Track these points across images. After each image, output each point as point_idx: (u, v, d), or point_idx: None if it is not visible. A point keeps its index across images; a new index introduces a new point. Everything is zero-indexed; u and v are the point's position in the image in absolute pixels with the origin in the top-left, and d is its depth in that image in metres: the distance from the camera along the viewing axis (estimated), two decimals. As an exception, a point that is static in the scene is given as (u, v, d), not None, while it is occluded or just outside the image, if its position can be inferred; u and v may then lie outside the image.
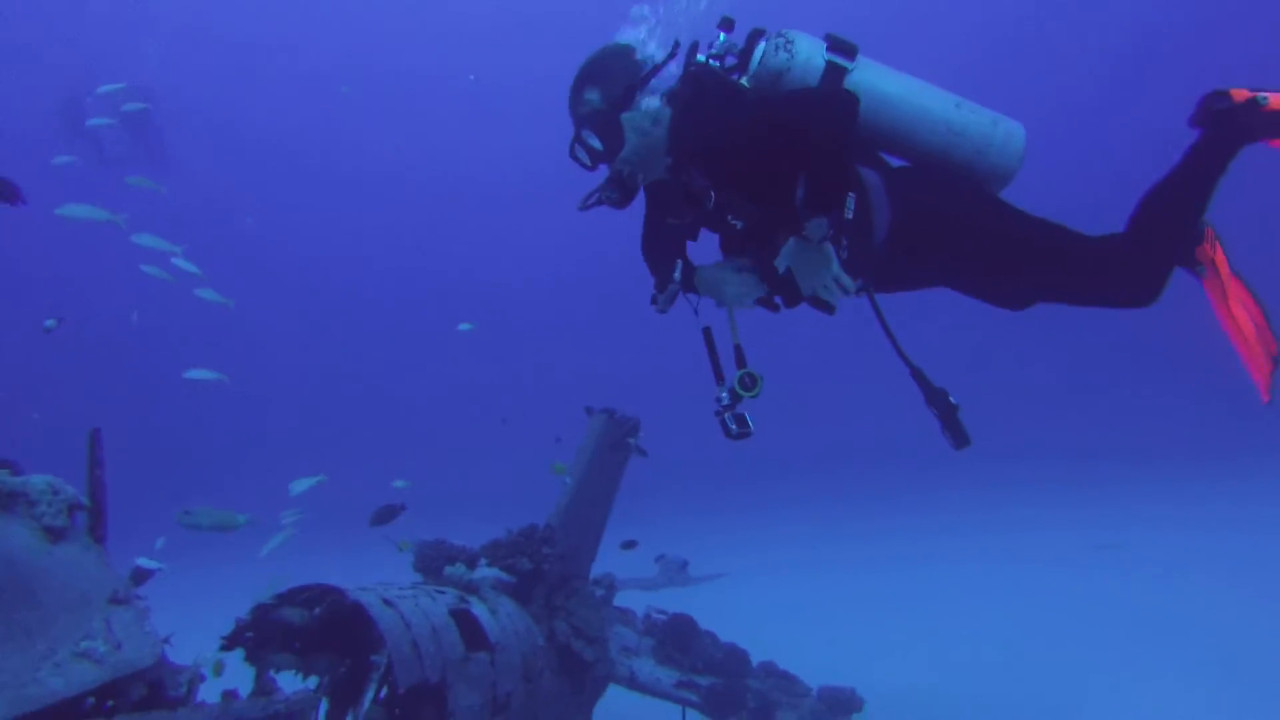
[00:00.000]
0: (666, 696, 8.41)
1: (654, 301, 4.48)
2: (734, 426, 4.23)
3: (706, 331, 4.43)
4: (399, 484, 13.07)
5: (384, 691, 5.47)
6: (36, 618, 4.09)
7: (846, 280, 3.94)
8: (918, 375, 4.06)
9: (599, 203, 4.30)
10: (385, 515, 7.35)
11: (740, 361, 4.25)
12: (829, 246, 3.90)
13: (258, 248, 53.84)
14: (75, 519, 4.68)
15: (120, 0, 44.45)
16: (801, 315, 4.44)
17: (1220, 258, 4.44)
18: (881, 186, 4.21)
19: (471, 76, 50.32)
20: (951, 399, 3.97)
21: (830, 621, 15.23)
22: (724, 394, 4.25)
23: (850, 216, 3.91)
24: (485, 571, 7.05)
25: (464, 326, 20.52)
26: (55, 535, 4.50)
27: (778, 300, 4.37)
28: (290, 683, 5.64)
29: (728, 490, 32.31)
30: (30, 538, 4.36)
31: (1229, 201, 4.46)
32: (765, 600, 17.02)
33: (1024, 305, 4.57)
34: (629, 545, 11.78)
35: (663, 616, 9.62)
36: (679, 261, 4.43)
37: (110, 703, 4.33)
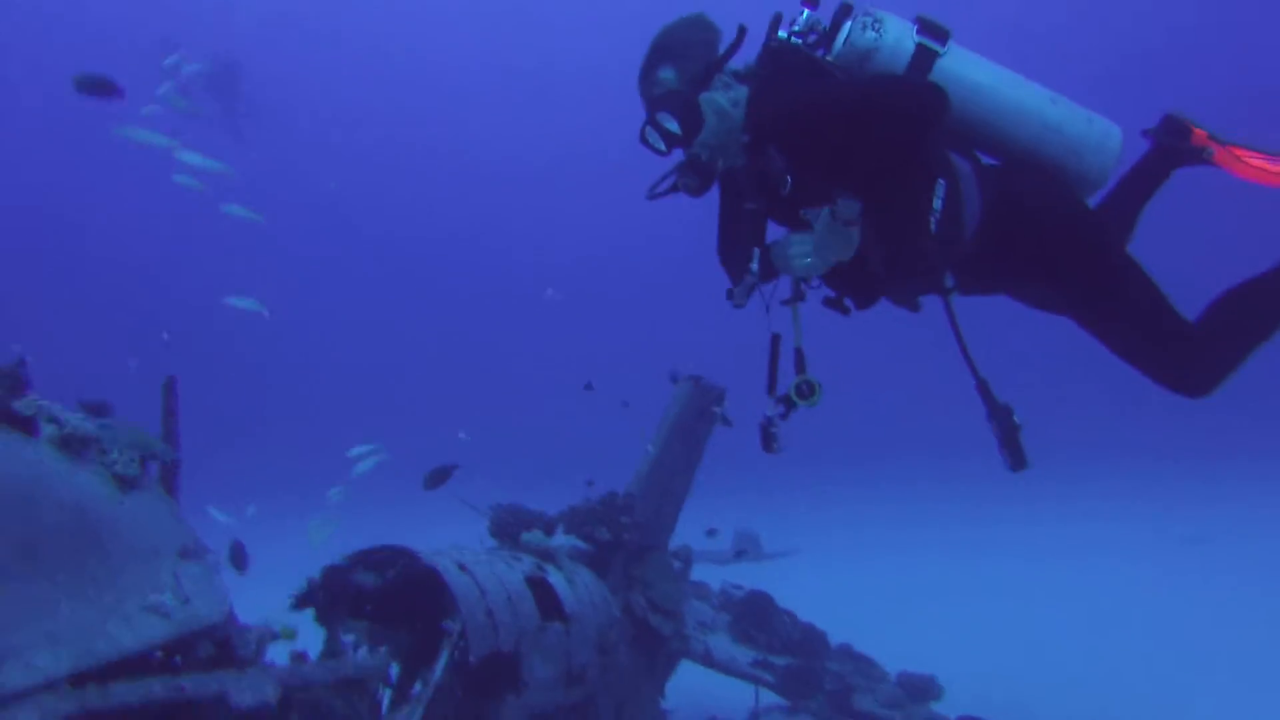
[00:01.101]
0: (743, 676, 8.20)
1: (730, 296, 4.15)
2: (774, 442, 4.09)
3: (775, 339, 4.18)
4: (463, 436, 13.03)
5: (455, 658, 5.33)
6: (105, 568, 3.97)
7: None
8: (983, 388, 3.84)
9: (673, 189, 4.08)
10: (439, 477, 7.13)
11: (800, 367, 4.05)
12: (855, 231, 3.67)
13: (337, 215, 54.51)
14: (148, 468, 4.57)
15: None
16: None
17: (1207, 135, 4.35)
18: (973, 176, 3.93)
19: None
20: (1015, 418, 3.77)
21: (906, 604, 14.95)
22: (774, 404, 4.07)
23: (940, 205, 3.70)
24: (563, 539, 6.88)
25: (551, 293, 20.56)
26: (127, 484, 4.38)
27: (848, 303, 4.13)
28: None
29: (801, 467, 31.98)
30: (101, 486, 4.24)
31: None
32: (839, 579, 16.75)
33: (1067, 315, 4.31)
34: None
35: (739, 592, 9.42)
36: (756, 250, 4.10)
37: (178, 658, 4.21)
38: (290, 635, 4.89)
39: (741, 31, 4.00)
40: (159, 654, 4.12)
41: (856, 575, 17.35)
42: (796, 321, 4.16)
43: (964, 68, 3.92)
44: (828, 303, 4.16)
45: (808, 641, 8.90)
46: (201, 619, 4.17)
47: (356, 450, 9.99)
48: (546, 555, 6.48)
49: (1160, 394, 4.05)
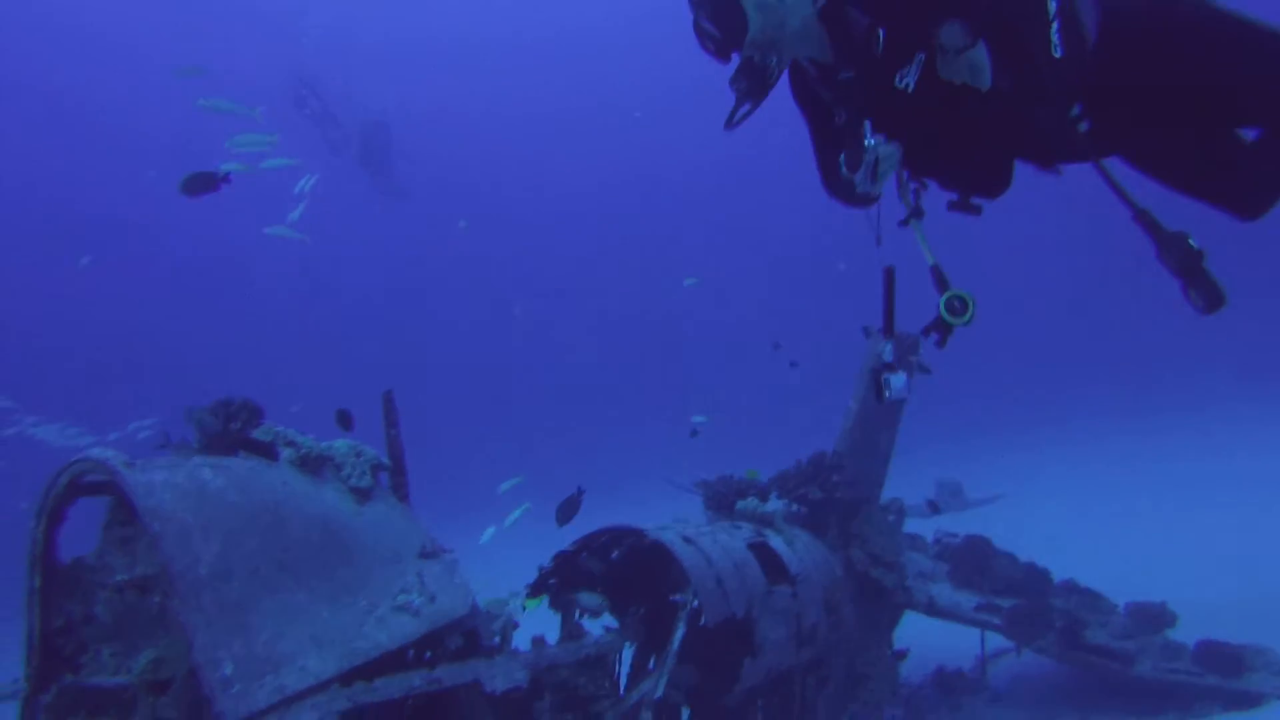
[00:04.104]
0: (969, 621, 8.11)
1: (847, 187, 3.65)
2: (885, 390, 3.55)
3: (889, 272, 3.68)
4: (698, 419, 13.26)
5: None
6: (355, 575, 4.22)
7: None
8: (1144, 218, 3.20)
9: (740, 104, 3.57)
10: (569, 509, 7.04)
11: (942, 284, 3.50)
12: (978, 56, 3.25)
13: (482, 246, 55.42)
14: (380, 479, 4.82)
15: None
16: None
17: None
18: None
19: (637, 114, 50.41)
20: (1192, 242, 3.09)
21: (1124, 536, 14.50)
22: (887, 349, 3.60)
23: (1055, 6, 3.24)
24: (777, 503, 6.92)
25: (689, 282, 20.53)
26: (363, 495, 4.64)
27: (976, 200, 3.64)
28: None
29: (996, 411, 31.19)
30: (341, 499, 4.51)
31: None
32: (1049, 519, 16.35)
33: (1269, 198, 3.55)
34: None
35: (955, 539, 9.31)
36: (868, 123, 3.53)
37: (429, 653, 4.44)
38: (535, 604, 5.09)
39: None
40: (411, 651, 4.37)
41: (1061, 511, 16.93)
42: (922, 238, 3.70)
43: None
44: (954, 206, 3.68)
45: (1031, 581, 8.72)
46: (448, 613, 4.39)
47: (507, 485, 10.12)
48: (764, 520, 6.55)
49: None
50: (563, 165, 57.28)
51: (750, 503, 6.71)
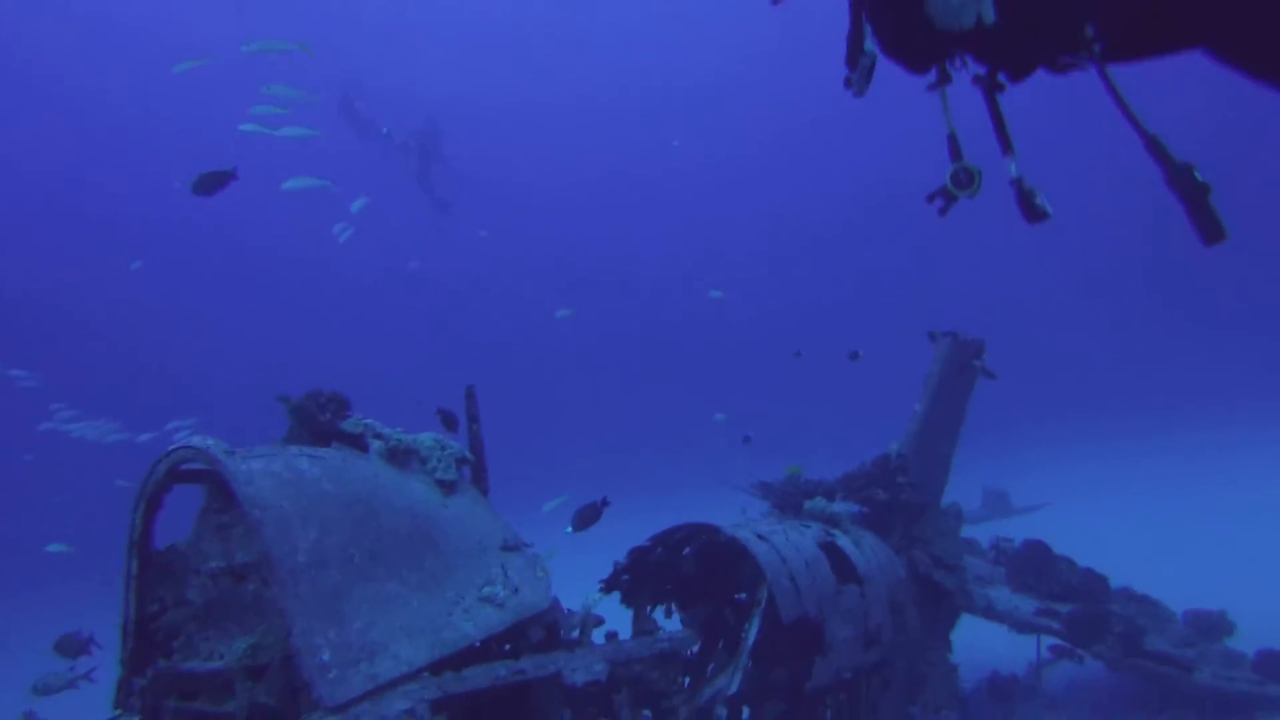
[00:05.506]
0: (1027, 626, 8.09)
1: (848, 84, 3.64)
2: (1037, 203, 3.28)
3: (990, 82, 3.47)
4: (719, 417, 13.22)
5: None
6: (442, 565, 4.29)
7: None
8: (1154, 145, 3.06)
9: None
10: (589, 515, 6.91)
11: (956, 153, 3.51)
12: None
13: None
14: (463, 472, 4.89)
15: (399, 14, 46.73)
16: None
17: None
18: None
19: (675, 142, 49.83)
20: (1198, 175, 3.01)
21: (1176, 544, 14.40)
22: (1014, 166, 3.32)
23: None
24: (844, 504, 6.95)
25: (714, 294, 20.40)
26: (448, 488, 4.71)
27: (1002, 77, 3.43)
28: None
29: (1044, 423, 31.01)
30: (428, 491, 4.58)
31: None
32: (1095, 527, 16.28)
33: None
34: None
35: (1011, 545, 9.29)
36: (867, 26, 3.53)
37: (508, 646, 4.50)
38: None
39: None
40: (493, 642, 4.43)
41: (1108, 519, 16.84)
42: (945, 105, 3.59)
43: None
44: (978, 80, 3.51)
45: (1089, 586, 8.68)
46: (531, 606, 4.46)
47: (551, 504, 10.14)
48: (832, 521, 6.57)
49: None
50: (582, 159, 57.04)
51: (818, 503, 6.74)
